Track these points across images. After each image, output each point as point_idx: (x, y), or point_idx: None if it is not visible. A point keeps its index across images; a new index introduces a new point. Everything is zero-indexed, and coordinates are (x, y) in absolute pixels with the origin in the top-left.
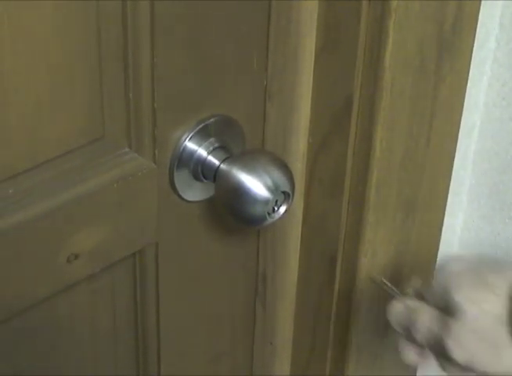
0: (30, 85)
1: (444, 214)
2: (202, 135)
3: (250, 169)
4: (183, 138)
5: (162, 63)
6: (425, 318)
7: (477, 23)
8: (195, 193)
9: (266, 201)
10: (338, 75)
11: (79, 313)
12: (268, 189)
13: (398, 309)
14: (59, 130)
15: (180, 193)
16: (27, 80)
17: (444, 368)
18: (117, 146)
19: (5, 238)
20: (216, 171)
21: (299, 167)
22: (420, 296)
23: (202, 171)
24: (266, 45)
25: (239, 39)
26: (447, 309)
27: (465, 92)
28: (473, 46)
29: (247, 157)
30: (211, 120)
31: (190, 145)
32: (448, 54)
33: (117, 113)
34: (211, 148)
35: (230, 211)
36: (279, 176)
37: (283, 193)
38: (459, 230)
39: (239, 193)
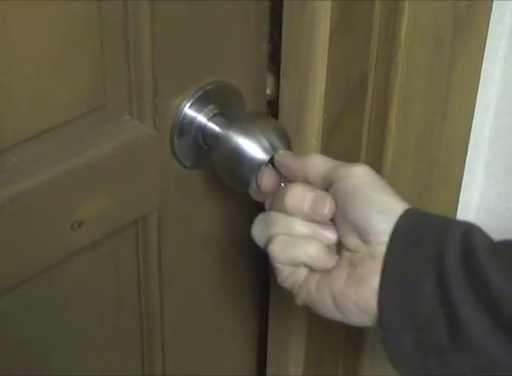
0: (33, 56)
1: (459, 190)
2: (201, 102)
3: (246, 132)
4: (183, 105)
5: (162, 31)
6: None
7: None
8: (196, 160)
9: (263, 163)
10: (353, 52)
11: (84, 281)
12: (265, 150)
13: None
14: (62, 99)
15: (181, 159)
16: (31, 51)
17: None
18: (119, 114)
19: (9, 207)
20: (216, 137)
21: (314, 143)
22: None
23: (203, 138)
24: (268, 13)
25: (239, 7)
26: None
27: (481, 68)
28: (489, 22)
29: (244, 121)
30: (210, 87)
31: (190, 112)
32: (464, 30)
33: (118, 82)
34: (211, 115)
35: (228, 175)
36: (275, 138)
37: None
38: (475, 207)
39: (235, 155)
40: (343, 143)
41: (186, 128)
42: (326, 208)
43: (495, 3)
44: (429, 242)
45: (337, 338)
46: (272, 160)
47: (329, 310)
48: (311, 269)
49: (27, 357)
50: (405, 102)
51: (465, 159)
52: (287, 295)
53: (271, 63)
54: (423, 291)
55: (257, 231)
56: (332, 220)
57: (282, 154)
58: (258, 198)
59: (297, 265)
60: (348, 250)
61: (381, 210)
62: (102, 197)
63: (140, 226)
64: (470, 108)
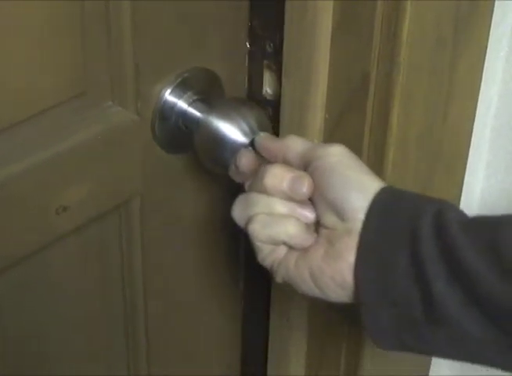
0: (17, 44)
1: (461, 190)
2: (182, 88)
3: (226, 117)
4: (164, 91)
5: (143, 19)
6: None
7: None
8: (178, 144)
9: (243, 146)
10: (355, 51)
11: (68, 264)
12: (245, 134)
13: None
14: (45, 86)
15: (163, 144)
16: (13, 39)
17: None
18: (101, 100)
19: None
20: (197, 122)
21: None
22: None
23: (184, 123)
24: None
25: None
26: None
27: (483, 67)
28: (490, 21)
29: (224, 106)
30: (190, 73)
31: (171, 98)
32: (466, 29)
33: (100, 69)
34: (191, 100)
35: (210, 158)
36: (255, 122)
37: None
38: (477, 206)
39: (216, 140)
40: (344, 143)
41: (167, 113)
42: (305, 187)
43: (496, 3)
44: (404, 218)
45: (338, 337)
46: (252, 144)
47: (308, 286)
48: (290, 247)
49: (13, 339)
50: (407, 102)
51: (466, 159)
52: (289, 294)
53: (272, 63)
54: (398, 266)
55: (238, 211)
56: (310, 200)
57: (262, 136)
58: (238, 179)
59: (276, 243)
60: (326, 227)
61: (357, 188)
62: (86, 182)
63: (123, 210)
64: (472, 108)
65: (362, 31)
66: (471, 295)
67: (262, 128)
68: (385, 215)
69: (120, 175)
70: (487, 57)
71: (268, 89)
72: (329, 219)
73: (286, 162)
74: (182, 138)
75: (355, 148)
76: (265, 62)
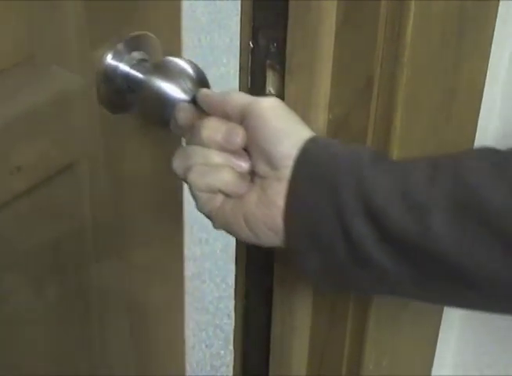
0: None
1: None
2: (123, 51)
3: (166, 76)
4: (106, 54)
5: None
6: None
7: None
8: (123, 105)
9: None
10: (359, 52)
11: (21, 225)
12: (185, 91)
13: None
14: None
15: (108, 106)
16: None
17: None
18: (47, 64)
19: None
20: (140, 83)
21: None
22: None
23: (127, 84)
24: None
25: None
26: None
27: (487, 68)
28: (495, 22)
29: (163, 66)
30: (130, 37)
31: (113, 61)
32: (470, 30)
33: (45, 33)
34: (133, 62)
35: (154, 117)
36: (193, 79)
37: None
38: None
39: (159, 98)
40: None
41: (111, 75)
42: (238, 138)
43: (501, 3)
44: (327, 167)
45: (340, 336)
46: (193, 101)
47: (243, 232)
48: (227, 195)
49: None
50: (411, 102)
51: None
52: (291, 292)
53: (275, 63)
54: (323, 213)
55: (177, 163)
56: (246, 150)
57: (203, 92)
58: (178, 132)
59: (213, 191)
60: (260, 176)
61: (287, 137)
62: (38, 144)
63: (73, 171)
64: (476, 108)
65: (365, 31)
66: (384, 234)
67: (201, 85)
68: (311, 164)
69: (69, 137)
70: (491, 58)
71: (271, 89)
72: (262, 168)
73: (226, 115)
74: (127, 98)
75: None
76: (268, 61)
